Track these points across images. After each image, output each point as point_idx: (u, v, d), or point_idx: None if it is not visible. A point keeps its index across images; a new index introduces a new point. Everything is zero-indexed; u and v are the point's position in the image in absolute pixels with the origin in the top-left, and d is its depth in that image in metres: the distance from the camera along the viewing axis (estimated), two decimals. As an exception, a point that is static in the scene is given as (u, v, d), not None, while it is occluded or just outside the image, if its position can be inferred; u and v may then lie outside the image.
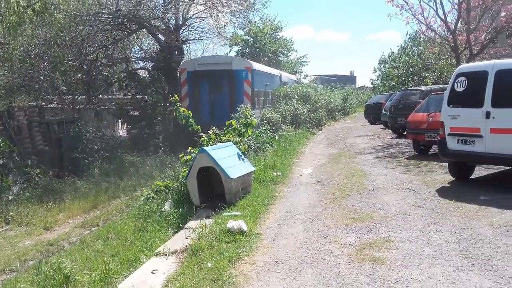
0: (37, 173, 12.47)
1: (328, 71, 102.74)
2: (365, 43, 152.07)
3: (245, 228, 5.58)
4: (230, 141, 8.86)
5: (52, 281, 5.33)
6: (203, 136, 9.20)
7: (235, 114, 11.78)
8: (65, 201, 11.35)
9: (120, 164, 14.92)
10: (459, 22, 15.37)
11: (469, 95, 7.53)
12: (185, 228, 6.22)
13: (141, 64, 21.72)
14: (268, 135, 12.37)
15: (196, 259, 4.91)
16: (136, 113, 18.60)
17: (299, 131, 17.68)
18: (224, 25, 21.37)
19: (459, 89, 7.68)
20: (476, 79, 7.43)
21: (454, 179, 8.12)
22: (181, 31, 19.86)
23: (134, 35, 19.20)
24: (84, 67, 17.29)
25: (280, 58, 38.46)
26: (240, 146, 8.95)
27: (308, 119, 19.72)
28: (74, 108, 16.96)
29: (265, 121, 15.75)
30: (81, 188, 12.53)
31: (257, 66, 19.19)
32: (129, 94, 19.06)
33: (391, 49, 41.75)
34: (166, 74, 18.85)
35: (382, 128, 19.72)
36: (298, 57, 43.18)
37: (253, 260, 4.79)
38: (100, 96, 18.63)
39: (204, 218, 6.28)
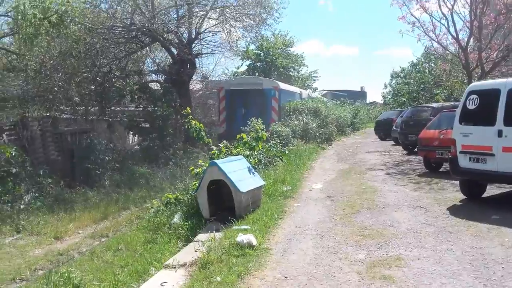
0: (48, 183, 12.54)
1: (339, 86, 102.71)
2: (376, 58, 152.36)
3: (254, 242, 5.58)
4: (241, 154, 8.90)
5: (61, 291, 5.36)
6: (214, 149, 9.25)
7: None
8: (75, 211, 11.37)
9: (131, 175, 14.99)
10: (471, 40, 15.38)
11: (481, 113, 7.51)
12: (195, 241, 6.23)
13: (154, 76, 22.05)
14: (278, 149, 12.38)
15: (205, 273, 4.91)
16: (147, 125, 18.81)
17: (309, 145, 17.68)
18: (237, 40, 21.62)
19: (471, 107, 7.66)
20: (488, 97, 7.41)
21: (466, 197, 8.06)
22: (193, 45, 20.08)
23: (147, 48, 19.48)
24: (98, 78, 17.53)
25: (291, 73, 38.54)
26: (251, 160, 8.98)
27: (318, 133, 19.80)
28: (87, 119, 17.19)
29: (275, 135, 15.79)
30: (92, 198, 12.58)
31: (282, 85, 21.67)
32: (141, 106, 19.30)
33: (400, 66, 41.81)
34: (178, 87, 19.12)
35: (392, 145, 19.67)
36: (309, 72, 43.31)
37: (262, 275, 4.78)
38: (113, 107, 18.89)
39: (214, 231, 6.29)
